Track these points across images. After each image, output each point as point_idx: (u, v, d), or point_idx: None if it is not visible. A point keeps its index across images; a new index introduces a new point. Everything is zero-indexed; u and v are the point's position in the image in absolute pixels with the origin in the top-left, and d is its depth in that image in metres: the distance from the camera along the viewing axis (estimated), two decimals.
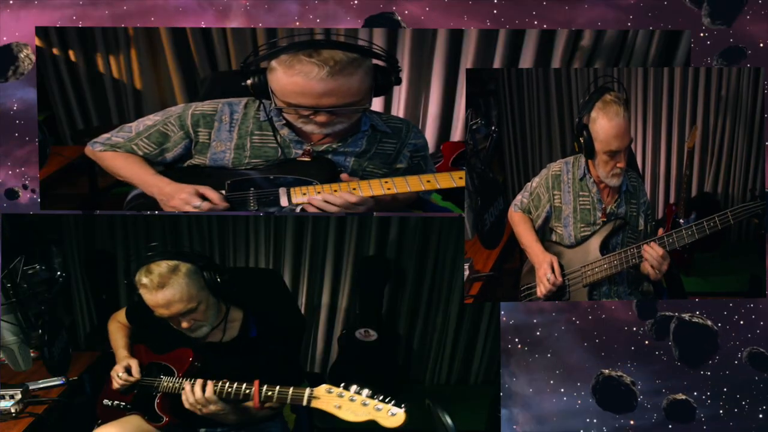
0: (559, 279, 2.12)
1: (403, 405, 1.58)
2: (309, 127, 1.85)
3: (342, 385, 1.63)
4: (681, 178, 2.51)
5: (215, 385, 1.77)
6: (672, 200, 2.55)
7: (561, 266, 2.14)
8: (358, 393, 1.60)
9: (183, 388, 1.81)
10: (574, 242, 2.15)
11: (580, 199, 2.16)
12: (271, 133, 1.91)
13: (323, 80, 1.75)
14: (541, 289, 2.14)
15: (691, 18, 2.20)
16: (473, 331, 2.79)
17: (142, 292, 1.83)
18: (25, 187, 2.14)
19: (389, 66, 1.86)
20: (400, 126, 2.00)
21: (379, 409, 1.58)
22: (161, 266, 1.82)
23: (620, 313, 2.23)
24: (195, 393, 1.77)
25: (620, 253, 2.08)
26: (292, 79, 1.77)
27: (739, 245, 2.47)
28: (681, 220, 2.49)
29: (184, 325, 1.84)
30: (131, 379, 1.94)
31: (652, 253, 2.02)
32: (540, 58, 2.48)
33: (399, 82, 1.89)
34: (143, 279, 1.82)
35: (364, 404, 1.59)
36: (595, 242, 2.13)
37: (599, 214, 2.15)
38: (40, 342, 2.17)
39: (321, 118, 1.81)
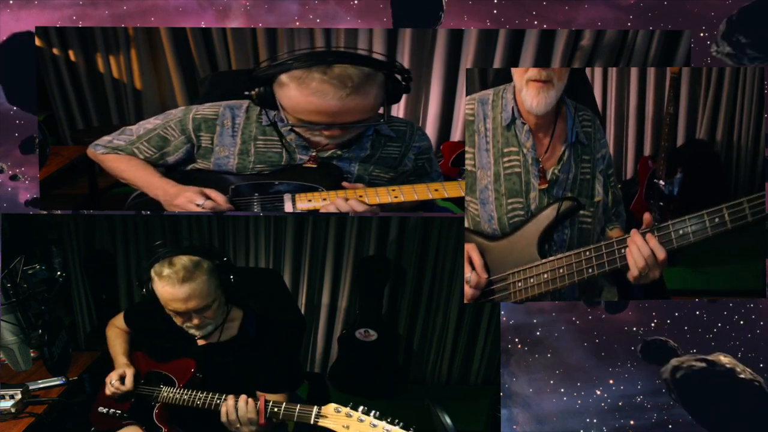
0: (483, 277, 1.53)
1: (412, 428, 1.56)
2: (317, 139, 1.85)
3: (350, 405, 1.61)
4: (661, 119, 1.85)
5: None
6: (648, 152, 1.97)
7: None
8: (366, 414, 1.59)
9: (209, 402, 1.79)
10: (498, 232, 1.51)
11: (506, 159, 1.51)
12: (275, 138, 1.91)
13: (341, 100, 1.72)
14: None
15: (691, 18, 2.20)
16: (473, 331, 2.79)
17: (161, 284, 1.80)
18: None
19: (402, 76, 1.83)
20: (404, 129, 1.99)
21: (387, 431, 1.57)
22: (184, 260, 1.81)
23: (620, 314, 2.23)
24: (248, 409, 1.71)
25: (572, 256, 1.41)
26: (307, 98, 1.73)
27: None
28: (661, 182, 1.81)
29: (194, 322, 1.83)
30: (122, 388, 1.93)
31: (645, 250, 1.36)
32: (540, 58, 2.48)
33: (409, 90, 1.86)
34: (165, 270, 1.79)
35: (373, 425, 1.57)
36: (530, 233, 1.44)
37: (536, 181, 1.49)
38: (40, 342, 2.16)
39: (334, 132, 1.80)
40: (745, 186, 1.77)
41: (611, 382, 2.23)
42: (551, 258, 1.45)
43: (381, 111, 1.88)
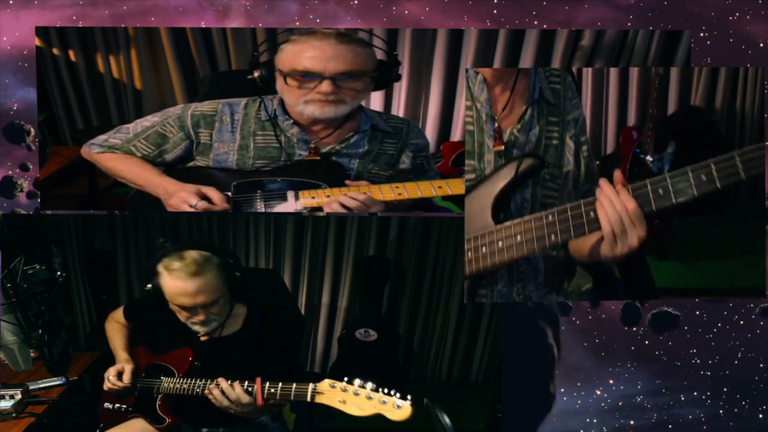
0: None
1: (408, 397, 1.56)
2: (311, 109, 1.84)
3: (345, 379, 1.61)
4: (649, 81, 1.57)
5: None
6: (632, 121, 1.72)
7: None
8: (362, 386, 1.59)
9: (194, 390, 1.80)
10: None
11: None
12: (276, 134, 1.92)
13: (333, 46, 1.79)
14: None
15: (691, 18, 2.20)
16: (473, 331, 2.79)
17: (170, 278, 1.80)
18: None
19: (390, 61, 1.89)
20: (401, 126, 2.01)
21: (384, 402, 1.56)
22: (194, 254, 1.81)
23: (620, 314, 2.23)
24: (237, 393, 1.72)
25: (531, 220, 1.18)
26: (303, 47, 1.81)
27: (752, 206, 1.48)
28: (648, 157, 1.54)
29: (200, 317, 1.83)
30: (120, 384, 1.93)
31: (618, 202, 1.11)
32: (540, 58, 2.48)
33: (398, 78, 1.90)
34: (175, 264, 1.79)
35: (369, 398, 1.57)
36: (483, 196, 1.26)
37: (490, 141, 1.31)
38: (40, 342, 2.17)
39: (325, 87, 1.80)
40: (750, 177, 1.48)
41: (611, 382, 2.23)
42: (507, 223, 1.21)
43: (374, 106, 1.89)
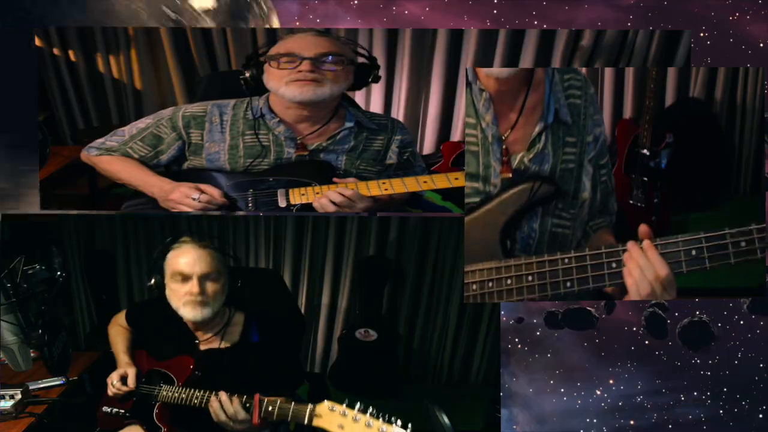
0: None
1: (409, 425, 1.53)
2: (291, 90, 1.89)
3: (345, 402, 1.58)
4: (646, 72, 1.51)
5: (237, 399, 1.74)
6: (629, 113, 1.60)
7: None
8: (362, 412, 1.54)
9: (192, 401, 1.80)
10: None
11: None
12: (262, 132, 1.95)
13: (312, 35, 1.91)
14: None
15: (691, 18, 2.20)
16: (473, 331, 2.78)
17: (178, 252, 1.85)
18: None
19: (370, 63, 1.97)
20: (385, 123, 2.06)
21: (383, 431, 1.53)
22: (205, 241, 1.89)
23: (620, 314, 2.23)
24: (234, 408, 1.71)
25: (546, 262, 1.05)
26: (289, 38, 1.92)
27: (751, 202, 1.38)
28: (645, 151, 1.46)
29: (195, 289, 1.82)
30: (124, 388, 1.93)
31: (650, 272, 1.01)
32: (540, 58, 2.47)
33: (377, 80, 1.99)
34: (185, 240, 1.86)
35: (368, 425, 1.52)
36: (492, 217, 1.13)
37: (498, 166, 1.18)
38: (40, 342, 2.17)
39: (305, 66, 1.87)
40: (751, 158, 1.42)
41: (611, 382, 2.23)
42: (520, 260, 1.09)
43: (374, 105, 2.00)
